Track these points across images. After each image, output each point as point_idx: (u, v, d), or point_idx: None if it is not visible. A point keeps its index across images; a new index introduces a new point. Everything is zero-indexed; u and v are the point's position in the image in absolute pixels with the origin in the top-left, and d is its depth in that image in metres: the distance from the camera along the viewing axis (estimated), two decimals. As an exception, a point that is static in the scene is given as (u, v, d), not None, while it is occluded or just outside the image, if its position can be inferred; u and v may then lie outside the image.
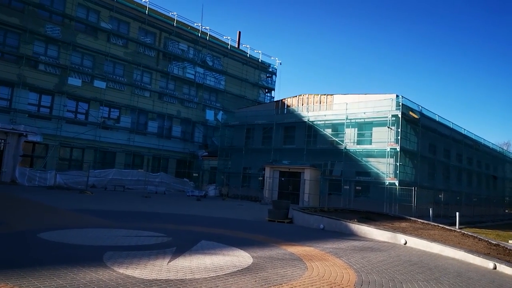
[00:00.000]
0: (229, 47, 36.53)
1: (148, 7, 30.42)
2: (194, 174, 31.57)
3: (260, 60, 39.31)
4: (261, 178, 27.51)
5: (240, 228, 12.21)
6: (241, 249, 8.48)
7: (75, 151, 27.36)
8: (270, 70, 40.98)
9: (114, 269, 5.94)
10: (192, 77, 33.67)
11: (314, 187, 24.99)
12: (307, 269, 7.17)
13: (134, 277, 5.61)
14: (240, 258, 7.62)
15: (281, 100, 30.27)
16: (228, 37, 36.90)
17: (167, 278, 5.71)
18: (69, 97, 26.40)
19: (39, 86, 24.98)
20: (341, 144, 25.01)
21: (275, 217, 14.80)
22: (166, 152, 31.62)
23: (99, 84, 27.34)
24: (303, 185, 25.07)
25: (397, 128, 23.04)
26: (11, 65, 23.97)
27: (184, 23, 33.59)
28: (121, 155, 29.13)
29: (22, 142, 23.81)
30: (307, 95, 28.35)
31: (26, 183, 23.00)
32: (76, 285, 4.99)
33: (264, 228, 12.99)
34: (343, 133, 25.14)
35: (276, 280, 6.18)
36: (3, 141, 23.49)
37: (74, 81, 26.20)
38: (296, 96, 29.06)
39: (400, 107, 23.10)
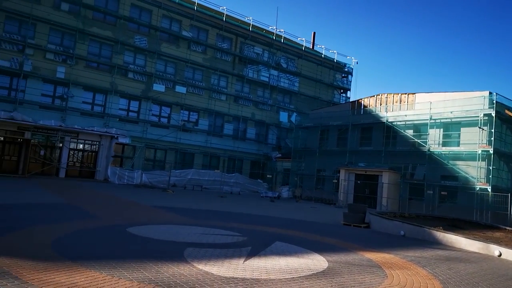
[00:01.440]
0: (303, 48, 36.34)
1: (226, 14, 31.57)
2: (267, 176, 31.92)
3: (335, 60, 38.48)
4: (335, 181, 26.86)
5: (314, 231, 12.02)
6: (315, 252, 8.33)
7: (159, 152, 29.36)
8: (346, 70, 39.88)
9: (194, 265, 6.21)
10: (267, 79, 34.13)
11: (393, 191, 23.68)
12: (387, 277, 6.79)
13: (212, 273, 5.80)
14: (315, 261, 7.48)
15: (357, 100, 29.25)
16: (303, 39, 36.79)
17: (243, 276, 5.82)
18: (154, 102, 28.43)
19: (128, 92, 27.30)
20: (424, 146, 23.36)
21: (351, 221, 14.30)
22: (241, 154, 32.44)
23: (180, 89, 29.04)
24: (381, 189, 23.90)
25: (490, 128, 20.84)
26: (105, 74, 26.58)
27: (259, 27, 34.23)
28: (199, 156, 30.57)
29: (113, 144, 26.23)
30: (385, 94, 27.02)
31: (116, 181, 25.25)
32: (160, 278, 5.30)
33: (339, 232, 12.62)
34: (427, 134, 23.45)
35: (353, 286, 5.95)
36: (97, 143, 26.11)
37: (158, 87, 28.17)
38: (373, 96, 27.85)
39: (494, 105, 20.87)
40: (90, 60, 26.08)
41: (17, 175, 22.30)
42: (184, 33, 29.97)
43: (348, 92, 40.25)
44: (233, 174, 30.39)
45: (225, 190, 27.22)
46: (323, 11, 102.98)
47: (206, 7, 31.05)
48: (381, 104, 27.00)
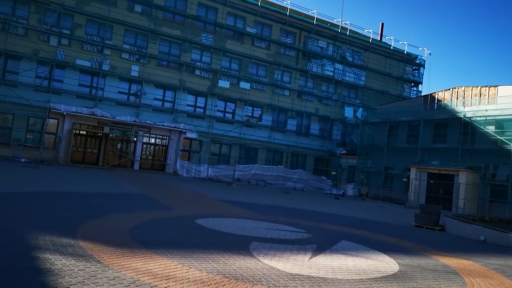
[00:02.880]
0: (370, 40, 34.85)
1: (289, 8, 31.32)
2: (332, 172, 31.23)
3: (405, 52, 36.37)
4: (405, 180, 25.45)
5: (382, 231, 11.48)
6: (385, 253, 7.93)
7: (223, 147, 30.13)
8: (417, 62, 37.52)
9: (260, 259, 6.23)
10: (331, 74, 33.32)
11: (471, 192, 21.84)
12: (466, 285, 6.25)
13: (278, 269, 5.77)
14: (385, 263, 7.11)
15: (431, 94, 27.39)
16: (370, 30, 35.27)
17: (309, 274, 5.70)
18: (219, 98, 29.20)
19: (195, 89, 28.33)
20: (508, 144, 21.19)
21: (423, 222, 13.44)
22: (304, 150, 32.10)
23: (244, 85, 29.48)
24: (457, 190, 22.16)
25: None
26: (174, 72, 27.85)
27: (324, 20, 33.46)
28: (262, 152, 30.83)
29: (181, 139, 27.46)
30: (463, 87, 24.96)
31: (184, 174, 26.41)
32: (228, 270, 5.39)
33: (410, 233, 11.93)
34: (511, 131, 21.26)
35: (429, 293, 5.54)
36: (167, 137, 27.50)
37: (223, 83, 28.87)
38: (449, 89, 25.88)
39: None
40: (160, 58, 27.48)
41: (98, 166, 24.29)
42: (248, 29, 30.30)
43: (420, 85, 37.88)
44: (297, 170, 30.21)
45: (289, 186, 27.15)
46: (392, 0, 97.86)
47: (270, 2, 31.07)
48: (457, 98, 25.01)
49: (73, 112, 23.77)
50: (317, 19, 32.52)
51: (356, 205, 21.08)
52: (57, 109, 23.42)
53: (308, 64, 32.59)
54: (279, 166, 29.37)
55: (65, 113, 23.62)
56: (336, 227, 11.11)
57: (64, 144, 23.75)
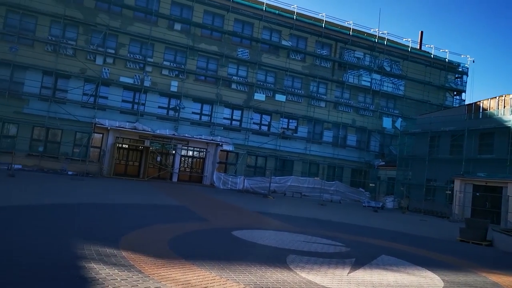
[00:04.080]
0: (409, 49, 33.99)
1: (325, 20, 31.30)
2: (370, 184, 30.41)
3: (446, 59, 35.11)
4: (449, 192, 24.31)
5: (424, 246, 11.03)
6: (428, 269, 7.62)
7: (259, 159, 30.26)
8: (460, 70, 36.05)
9: (297, 272, 6.19)
10: (368, 84, 32.74)
11: (521, 206, 20.47)
12: (519, 306, 5.85)
13: (316, 283, 5.70)
14: (428, 279, 6.83)
15: (475, 103, 26.19)
16: (409, 39, 34.43)
17: (347, 289, 5.59)
18: (255, 110, 29.49)
19: (232, 102, 28.82)
20: None
21: (469, 237, 12.76)
22: (341, 161, 31.58)
23: (280, 97, 29.62)
24: (506, 203, 20.86)
25: None
26: (211, 86, 28.52)
27: (360, 31, 33.10)
28: (298, 163, 30.65)
29: (218, 151, 27.92)
30: (510, 95, 23.68)
31: (221, 186, 26.74)
32: (265, 283, 5.40)
33: (454, 248, 11.37)
34: None
35: (477, 313, 5.26)
36: (204, 150, 28.06)
37: (259, 96, 29.17)
38: (495, 97, 24.64)
39: None
40: (198, 73, 28.27)
41: (139, 179, 25.16)
42: (284, 42, 30.55)
43: (463, 94, 36.31)
44: (333, 182, 29.72)
45: (325, 198, 26.74)
46: (431, 8, 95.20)
47: (305, 15, 31.21)
48: (504, 107, 23.74)
49: (116, 126, 24.91)
50: (353, 30, 32.24)
51: (396, 218, 20.38)
52: (102, 124, 24.63)
53: (344, 75, 32.26)
54: (315, 178, 29.04)
55: (109, 128, 24.79)
56: (376, 241, 10.81)
57: (108, 157, 24.86)
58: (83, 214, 9.54)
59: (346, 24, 32.40)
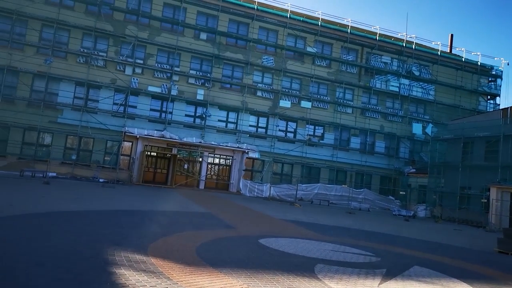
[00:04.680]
0: (439, 53, 33.07)
1: (350, 26, 30.99)
2: (400, 192, 29.54)
3: (479, 63, 33.90)
4: (484, 200, 23.26)
5: (460, 257, 10.55)
6: (464, 281, 7.27)
7: (286, 166, 30.09)
8: (493, 73, 34.71)
9: (326, 282, 6.04)
10: (396, 89, 32.03)
11: None
12: None
13: (345, 294, 5.54)
14: (465, 293, 6.50)
15: (511, 107, 25.08)
16: (438, 43, 33.52)
17: (379, 301, 5.40)
18: (280, 118, 29.41)
19: (257, 110, 28.89)
20: None
21: (509, 248, 12.11)
22: (369, 168, 30.92)
23: (305, 104, 29.45)
24: (547, 212, 19.74)
25: None
26: (237, 94, 28.73)
27: (387, 35, 32.52)
28: (325, 171, 30.25)
29: (244, 158, 27.98)
30: (549, 98, 22.55)
31: (247, 194, 26.74)
32: (293, 292, 5.29)
33: (492, 260, 10.82)
34: None
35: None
36: (231, 157, 28.20)
37: (284, 103, 29.10)
38: (532, 100, 23.52)
39: None
40: (224, 82, 28.55)
41: (166, 186, 25.55)
42: (309, 49, 30.44)
43: (497, 98, 34.92)
44: (362, 190, 29.10)
45: (353, 206, 26.20)
46: (461, 10, 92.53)
47: (330, 21, 31.01)
48: (543, 110, 22.59)
49: (145, 135, 25.47)
50: (380, 35, 31.74)
51: (429, 227, 19.67)
52: (131, 133, 25.25)
53: (372, 80, 31.73)
54: (343, 186, 28.54)
55: (138, 136, 25.38)
56: (407, 251, 10.44)
57: (137, 165, 25.41)
58: (114, 221, 9.74)
59: (372, 29, 31.96)
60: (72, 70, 24.91)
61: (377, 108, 31.96)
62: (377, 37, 31.49)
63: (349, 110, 31.21)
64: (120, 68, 26.19)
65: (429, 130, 30.93)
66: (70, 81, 25.02)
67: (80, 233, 7.70)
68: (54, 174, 22.30)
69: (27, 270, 4.99)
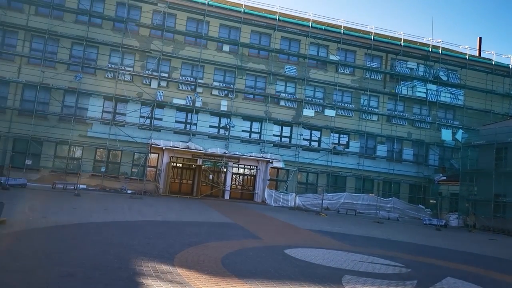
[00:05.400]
0: (467, 57, 32.15)
1: (374, 32, 30.65)
2: (431, 201, 28.58)
3: (510, 66, 32.69)
4: (521, 208, 22.18)
5: (496, 268, 10.06)
6: (502, 295, 6.90)
7: (310, 176, 29.80)
8: (526, 75, 33.37)
9: (354, 294, 5.88)
10: (424, 95, 31.27)
11: None
12: None
13: (375, 306, 5.38)
14: (503, 306, 6.17)
15: (546, 110, 23.97)
16: (466, 46, 32.59)
17: (410, 314, 5.20)
18: (304, 126, 29.26)
19: (281, 119, 28.88)
20: None
21: (549, 260, 11.44)
22: (397, 176, 30.17)
23: (329, 112, 29.20)
24: None
25: None
26: (260, 104, 28.86)
27: (412, 41, 31.92)
28: (351, 179, 29.75)
29: (268, 168, 27.93)
30: None
31: (272, 204, 26.61)
32: (320, 304, 5.18)
33: (533, 272, 10.23)
34: None
35: None
36: (255, 167, 28.22)
37: (308, 112, 28.96)
38: None
39: None
40: (247, 92, 28.78)
41: (192, 196, 25.80)
42: (332, 57, 30.29)
43: (531, 101, 33.43)
44: (390, 199, 28.39)
45: (382, 216, 25.57)
46: (489, 13, 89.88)
47: (353, 28, 30.79)
48: None
49: (170, 146, 25.92)
50: (405, 40, 31.22)
51: (462, 237, 18.90)
52: (157, 145, 25.76)
53: (397, 86, 31.15)
54: (370, 194, 27.94)
55: (164, 148, 25.85)
56: (439, 261, 10.06)
57: (163, 176, 25.83)
58: (141, 231, 9.90)
59: (396, 35, 31.48)
60: (101, 85, 25.80)
61: (404, 114, 31.29)
62: (402, 43, 30.99)
63: (375, 118, 30.71)
64: (146, 82, 26.88)
65: (459, 136, 29.93)
66: (99, 96, 25.87)
67: (109, 243, 7.87)
68: (84, 186, 22.97)
69: (59, 281, 5.13)
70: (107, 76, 26.31)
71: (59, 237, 8.13)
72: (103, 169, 25.16)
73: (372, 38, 30.42)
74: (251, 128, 28.86)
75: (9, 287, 4.79)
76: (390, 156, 30.44)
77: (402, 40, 31.08)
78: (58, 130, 24.70)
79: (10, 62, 24.85)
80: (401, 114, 31.21)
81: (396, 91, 30.91)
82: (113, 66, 26.32)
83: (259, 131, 28.81)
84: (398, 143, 30.74)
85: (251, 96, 29.15)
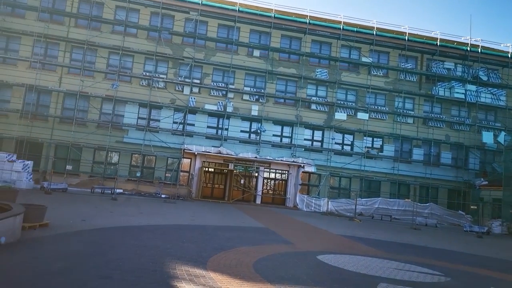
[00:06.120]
0: (509, 55, 30.56)
1: (408, 33, 29.82)
2: (472, 207, 27.26)
3: (556, 63, 30.80)
4: None
5: (546, 280, 9.40)
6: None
7: (343, 180, 29.28)
8: None
9: (390, 303, 5.69)
10: (462, 96, 30.00)
11: None
12: None
13: (413, 316, 5.17)
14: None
15: None
16: (508, 44, 30.97)
17: (451, 326, 4.96)
18: (336, 130, 28.82)
19: (312, 123, 28.61)
20: None
21: None
22: (435, 181, 29.04)
23: (362, 115, 28.63)
24: None
25: None
26: (291, 108, 28.75)
27: (449, 40, 30.77)
28: (385, 184, 28.96)
29: (300, 173, 27.69)
30: None
31: (304, 209, 26.34)
32: (354, 312, 5.05)
33: None
34: None
35: None
36: (286, 172, 28.08)
37: (340, 115, 28.52)
38: None
39: None
40: (278, 96, 28.75)
41: (224, 201, 26.02)
42: (364, 59, 29.75)
43: None
44: (427, 204, 27.35)
45: (419, 222, 24.65)
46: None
47: (386, 29, 30.09)
48: None
49: (202, 151, 26.30)
50: (441, 40, 30.14)
51: (505, 245, 17.89)
52: (190, 150, 26.22)
53: (434, 88, 30.09)
54: (406, 200, 27.04)
55: (196, 153, 26.27)
56: (481, 270, 9.55)
57: (195, 181, 26.24)
58: (175, 235, 10.08)
59: (432, 35, 30.45)
60: (136, 93, 26.64)
61: (441, 117, 30.15)
62: (438, 43, 29.95)
63: (410, 120, 29.80)
64: (178, 88, 27.48)
65: (501, 138, 28.41)
66: (134, 103, 26.71)
67: (144, 246, 8.06)
68: (121, 191, 23.71)
69: (97, 282, 5.30)
70: (142, 83, 27.13)
71: (97, 240, 8.42)
72: (138, 174, 25.90)
73: (407, 39, 29.60)
74: (282, 133, 28.78)
75: (51, 287, 5.00)
76: (427, 160, 29.39)
77: (438, 40, 30.04)
78: (96, 136, 25.70)
79: (52, 72, 26.16)
80: (438, 116, 30.10)
81: (433, 93, 29.87)
82: (147, 73, 27.12)
83: (290, 136, 28.69)
84: (435, 146, 29.64)
85: (282, 100, 29.11)
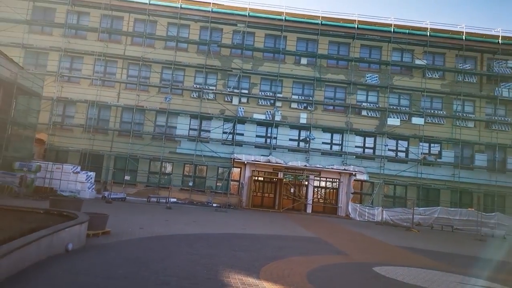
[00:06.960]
0: None
1: (465, 32, 28.16)
2: (545, 217, 24.89)
3: None
4: None
5: None
6: None
7: (398, 188, 28.05)
8: None
9: (456, 320, 5.30)
10: (529, 96, 27.71)
11: None
12: None
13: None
14: None
15: None
16: None
17: None
18: (389, 136, 27.76)
19: (363, 129, 27.81)
20: None
21: None
22: (501, 188, 26.88)
23: (417, 120, 27.36)
24: None
25: None
26: (340, 115, 28.18)
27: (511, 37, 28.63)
28: (445, 192, 27.30)
29: (352, 181, 26.94)
30: None
31: (357, 218, 25.52)
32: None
33: None
34: None
35: None
36: (337, 180, 27.45)
37: (393, 121, 27.46)
38: None
39: None
40: (326, 104, 28.35)
41: (274, 210, 25.95)
42: (417, 61, 28.51)
43: None
44: (493, 214, 25.34)
45: (484, 232, 22.90)
46: None
47: (441, 29, 28.62)
48: None
49: (252, 160, 26.52)
50: (503, 37, 28.12)
51: None
52: (239, 159, 26.55)
53: (496, 89, 28.07)
54: (469, 209, 25.25)
55: (245, 162, 26.55)
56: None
57: (245, 190, 26.47)
58: (227, 244, 10.19)
59: (492, 32, 28.51)
60: (187, 105, 27.60)
61: (506, 119, 28.01)
62: (500, 41, 27.97)
63: (471, 124, 28.00)
64: (227, 99, 28.06)
65: None
66: (186, 114, 27.66)
67: (199, 254, 8.23)
68: (175, 200, 24.53)
69: (154, 288, 5.47)
70: (193, 95, 28.05)
71: (155, 247, 8.74)
72: (190, 183, 26.66)
73: (464, 38, 27.99)
74: (331, 140, 28.27)
75: (113, 292, 5.25)
76: (492, 166, 27.34)
77: (500, 38, 28.05)
78: (151, 148, 26.90)
79: (111, 88, 27.88)
80: (502, 119, 27.98)
81: (496, 94, 27.88)
82: (197, 86, 28.01)
83: (340, 143, 28.08)
84: (500, 151, 27.53)
85: (331, 107, 28.66)
